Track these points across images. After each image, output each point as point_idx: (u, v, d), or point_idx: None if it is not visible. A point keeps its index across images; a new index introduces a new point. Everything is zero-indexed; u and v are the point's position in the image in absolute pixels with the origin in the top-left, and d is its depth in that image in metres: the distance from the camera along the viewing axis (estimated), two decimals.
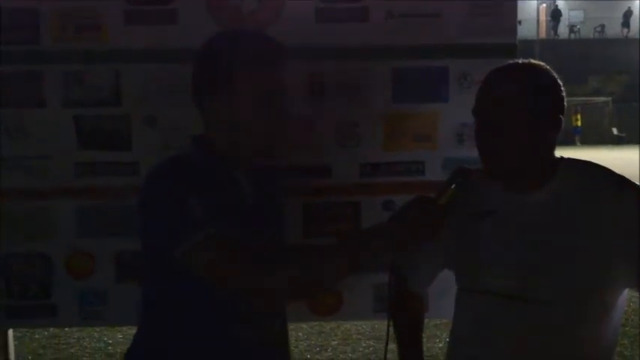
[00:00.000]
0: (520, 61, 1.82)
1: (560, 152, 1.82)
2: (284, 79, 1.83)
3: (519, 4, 2.61)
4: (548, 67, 1.79)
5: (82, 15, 2.42)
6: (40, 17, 2.43)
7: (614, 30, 40.73)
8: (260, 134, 1.81)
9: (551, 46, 34.57)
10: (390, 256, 1.89)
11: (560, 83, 1.77)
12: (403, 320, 2.10)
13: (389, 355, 2.01)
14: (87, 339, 5.66)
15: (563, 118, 1.76)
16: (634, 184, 1.74)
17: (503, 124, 1.70)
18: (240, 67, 1.78)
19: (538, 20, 41.22)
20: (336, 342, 5.59)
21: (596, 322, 1.73)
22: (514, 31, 2.53)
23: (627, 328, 5.49)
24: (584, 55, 36.35)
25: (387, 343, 1.91)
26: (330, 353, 5.38)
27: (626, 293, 1.76)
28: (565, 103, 1.78)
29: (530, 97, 1.71)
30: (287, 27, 2.35)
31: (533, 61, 1.81)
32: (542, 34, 41.29)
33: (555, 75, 1.78)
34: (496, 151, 1.73)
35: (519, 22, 2.79)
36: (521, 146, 1.71)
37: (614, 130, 35.15)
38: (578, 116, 33.71)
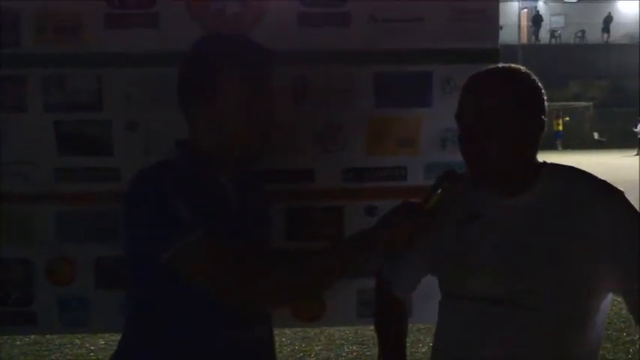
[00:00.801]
0: (501, 65, 1.83)
1: (542, 156, 1.82)
2: (269, 83, 1.83)
3: (501, 9, 2.62)
4: (528, 71, 1.80)
5: (62, 18, 2.40)
6: (20, 20, 2.40)
7: (594, 35, 41.06)
8: (245, 138, 1.80)
9: (532, 51, 34.74)
10: (377, 261, 1.89)
11: (541, 87, 1.78)
12: (386, 325, 2.10)
13: None
14: (68, 345, 5.62)
15: (545, 121, 1.76)
16: (617, 188, 1.75)
17: (487, 128, 1.70)
18: (225, 71, 1.78)
19: (519, 25, 41.44)
20: (319, 347, 5.58)
21: (581, 326, 1.73)
22: (496, 36, 2.54)
23: (610, 332, 5.53)
24: (565, 60, 36.57)
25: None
26: (314, 358, 5.37)
27: (610, 297, 1.77)
28: (546, 107, 1.79)
29: (511, 100, 1.71)
30: (269, 31, 2.35)
31: (513, 65, 1.82)
32: (524, 40, 41.53)
33: (536, 78, 1.78)
34: (480, 155, 1.73)
35: (501, 28, 2.79)
36: (504, 150, 1.71)
37: (595, 135, 35.39)
38: (560, 121, 33.94)
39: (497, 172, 1.74)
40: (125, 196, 1.81)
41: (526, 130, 1.73)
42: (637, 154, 28.07)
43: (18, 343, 5.55)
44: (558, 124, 33.87)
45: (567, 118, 31.87)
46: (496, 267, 1.74)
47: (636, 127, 31.42)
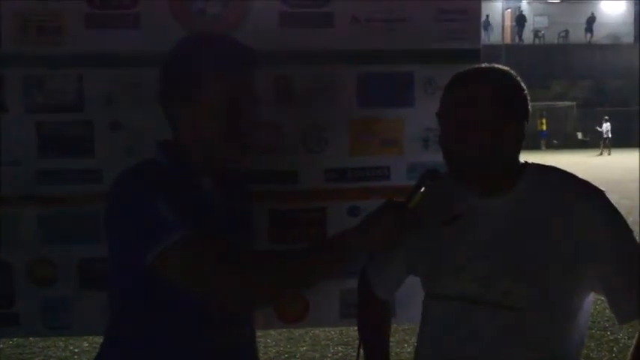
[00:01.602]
0: (484, 65, 1.84)
1: (525, 156, 1.82)
2: (251, 83, 1.83)
3: (483, 9, 2.63)
4: (511, 70, 1.80)
5: (43, 18, 2.38)
6: (0, 20, 2.38)
7: (577, 35, 41.26)
8: (227, 139, 1.79)
9: (515, 52, 34.88)
10: (360, 261, 1.89)
11: (524, 86, 1.78)
12: (370, 326, 2.10)
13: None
14: (52, 348, 5.58)
15: (527, 122, 1.76)
16: (598, 188, 1.75)
17: (466, 126, 1.70)
18: (206, 71, 1.77)
19: (503, 25, 41.60)
20: (304, 348, 5.58)
21: (564, 326, 1.73)
22: (478, 36, 2.55)
23: (593, 331, 5.56)
24: (549, 60, 36.73)
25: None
26: (299, 359, 5.36)
27: (592, 296, 1.77)
28: (529, 106, 1.79)
29: (492, 98, 1.71)
30: (251, 31, 2.34)
31: (496, 65, 1.82)
32: (507, 40, 41.68)
33: (518, 78, 1.79)
34: (458, 152, 1.73)
35: (484, 28, 2.81)
36: (482, 147, 1.71)
37: (579, 135, 35.58)
38: (544, 120, 34.10)
39: (476, 171, 1.75)
40: (107, 197, 1.80)
41: (506, 130, 1.73)
42: (600, 154, 28.32)
43: (1, 346, 5.51)
44: (542, 124, 34.05)
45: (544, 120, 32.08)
46: (477, 267, 1.74)
47: (601, 127, 31.78)
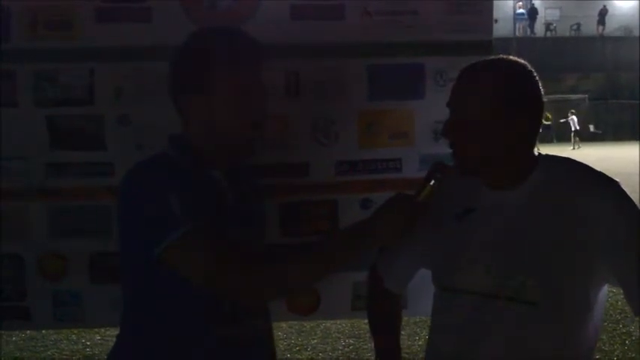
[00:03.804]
0: (498, 56, 1.82)
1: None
2: (261, 76, 1.83)
3: (495, 2, 2.61)
4: (523, 61, 1.78)
5: (53, 12, 2.38)
6: (10, 15, 2.38)
7: (589, 28, 41.00)
8: (238, 133, 1.80)
9: (527, 45, 34.70)
10: (371, 254, 1.89)
11: (536, 78, 1.76)
12: (380, 319, 2.09)
13: (368, 354, 2.01)
14: (64, 341, 5.62)
15: (540, 114, 1.75)
16: (612, 179, 1.74)
17: (476, 117, 1.69)
18: (217, 64, 1.78)
19: (514, 18, 41.40)
20: (315, 341, 5.59)
21: (580, 318, 1.72)
22: (490, 28, 2.53)
23: (605, 324, 5.53)
24: (560, 52, 36.52)
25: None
26: (310, 352, 5.37)
27: (606, 288, 1.76)
28: (542, 98, 1.76)
29: (502, 91, 1.70)
30: (262, 24, 2.33)
31: (511, 57, 1.81)
32: (519, 33, 41.47)
33: (531, 69, 1.77)
34: (460, 145, 1.73)
35: (496, 21, 2.79)
36: (485, 141, 1.70)
37: (591, 127, 35.39)
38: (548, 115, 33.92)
39: (473, 164, 1.74)
40: (118, 191, 1.81)
41: (515, 121, 1.71)
42: (573, 149, 28.15)
43: (14, 338, 5.54)
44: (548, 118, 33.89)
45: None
46: (490, 261, 1.73)
47: (567, 118, 31.63)
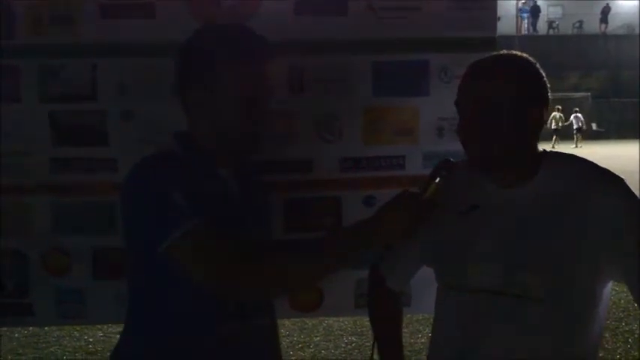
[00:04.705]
0: (505, 52, 1.82)
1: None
2: (266, 72, 1.83)
3: (498, 1, 2.60)
4: (529, 57, 1.78)
5: (57, 8, 2.38)
6: (14, 11, 2.38)
7: (592, 26, 40.95)
8: (241, 128, 1.80)
9: (530, 42, 34.65)
10: (375, 252, 1.89)
11: (543, 73, 1.76)
12: (382, 317, 2.08)
13: (370, 351, 2.00)
14: (67, 338, 5.62)
15: (546, 109, 1.74)
16: (618, 176, 1.73)
17: (489, 114, 1.69)
18: (222, 60, 1.78)
19: (517, 16, 41.36)
20: (318, 338, 5.59)
21: (585, 315, 1.72)
22: (494, 25, 2.52)
23: (608, 322, 5.53)
24: (563, 50, 36.48)
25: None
26: (313, 350, 5.37)
27: (610, 286, 1.75)
28: (549, 93, 1.76)
29: (514, 87, 1.70)
30: (266, 21, 2.32)
31: (517, 52, 1.81)
32: (522, 30, 41.42)
33: (537, 65, 1.77)
34: (484, 141, 1.71)
35: (499, 18, 2.78)
36: (505, 137, 1.69)
37: (594, 126, 35.37)
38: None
39: (496, 159, 1.72)
40: (122, 187, 1.81)
41: (527, 118, 1.71)
42: (575, 147, 28.11)
43: (16, 335, 5.54)
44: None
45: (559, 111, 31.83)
46: (496, 258, 1.72)
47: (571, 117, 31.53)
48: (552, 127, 30.36)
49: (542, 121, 1.74)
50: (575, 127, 31.42)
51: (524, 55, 1.79)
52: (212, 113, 1.80)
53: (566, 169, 1.76)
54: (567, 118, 31.80)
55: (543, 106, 1.74)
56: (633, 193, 1.71)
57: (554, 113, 30.90)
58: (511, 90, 1.69)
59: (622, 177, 1.73)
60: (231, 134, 1.81)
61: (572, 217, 1.68)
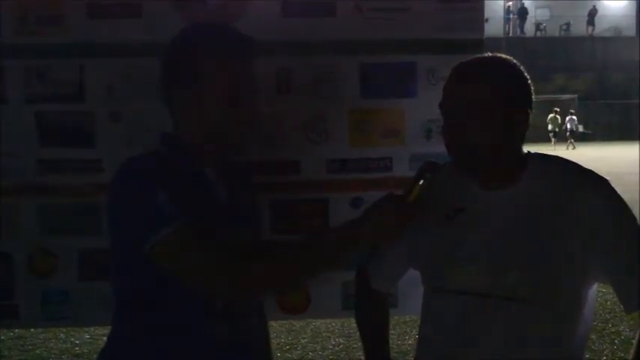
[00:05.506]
0: (489, 54, 1.82)
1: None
2: (251, 71, 1.82)
3: (486, 2, 2.61)
4: (513, 59, 1.78)
5: (44, 8, 2.37)
6: (0, 10, 2.37)
7: (579, 28, 41.14)
8: (227, 128, 1.79)
9: (517, 44, 34.76)
10: (361, 254, 1.88)
11: (527, 76, 1.77)
12: (368, 319, 2.08)
13: (358, 353, 2.00)
14: (53, 340, 5.59)
15: (530, 111, 1.75)
16: (603, 177, 1.74)
17: (472, 116, 1.69)
18: (207, 59, 1.77)
19: (505, 18, 41.50)
20: (305, 340, 5.58)
21: (571, 317, 1.72)
22: (482, 27, 2.53)
23: (595, 323, 5.51)
24: (550, 52, 36.62)
25: None
26: (300, 351, 5.36)
27: (596, 287, 1.76)
28: (532, 96, 1.77)
29: (497, 89, 1.70)
30: (253, 21, 2.32)
31: (502, 55, 1.81)
32: (509, 32, 41.56)
33: (521, 67, 1.77)
34: (464, 143, 1.71)
35: (486, 20, 2.79)
36: (489, 139, 1.70)
37: (580, 127, 35.53)
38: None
39: (482, 161, 1.73)
40: (108, 188, 1.80)
41: (512, 120, 1.71)
42: (567, 149, 28.14)
43: (2, 337, 5.50)
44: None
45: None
46: (482, 261, 1.72)
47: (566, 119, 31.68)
48: (568, 130, 30.50)
49: (527, 123, 1.74)
50: (568, 128, 31.51)
51: (509, 57, 1.80)
52: (196, 114, 1.79)
53: (551, 171, 1.77)
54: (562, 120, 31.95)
55: (525, 109, 1.74)
56: (618, 193, 1.72)
57: (551, 115, 31.06)
58: (496, 92, 1.70)
59: (607, 178, 1.74)
60: (215, 135, 1.79)
61: (557, 218, 1.69)
